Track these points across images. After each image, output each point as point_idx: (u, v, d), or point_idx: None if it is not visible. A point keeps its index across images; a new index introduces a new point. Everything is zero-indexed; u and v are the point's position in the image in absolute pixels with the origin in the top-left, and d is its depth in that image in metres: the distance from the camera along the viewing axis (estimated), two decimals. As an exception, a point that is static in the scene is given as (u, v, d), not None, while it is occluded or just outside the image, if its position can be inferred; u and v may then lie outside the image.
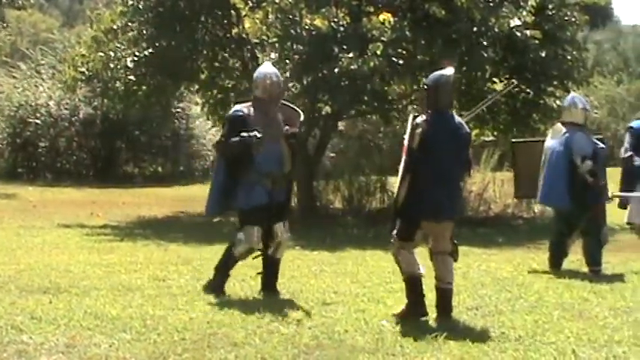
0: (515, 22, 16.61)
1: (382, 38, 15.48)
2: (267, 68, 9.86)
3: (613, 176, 12.12)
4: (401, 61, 15.95)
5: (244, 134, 9.10)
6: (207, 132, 31.57)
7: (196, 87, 20.78)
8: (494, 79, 18.11)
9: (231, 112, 9.74)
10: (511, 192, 19.29)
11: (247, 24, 16.53)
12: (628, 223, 11.60)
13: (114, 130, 29.97)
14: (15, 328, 7.79)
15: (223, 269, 9.59)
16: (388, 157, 21.61)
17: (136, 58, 18.24)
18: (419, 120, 8.26)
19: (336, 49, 15.83)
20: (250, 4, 16.83)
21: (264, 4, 16.35)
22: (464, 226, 16.89)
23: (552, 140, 11.43)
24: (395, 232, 8.41)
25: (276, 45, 16.34)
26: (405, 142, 8.35)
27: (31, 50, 36.91)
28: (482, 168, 20.45)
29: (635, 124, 11.62)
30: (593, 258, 11.26)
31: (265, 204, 9.31)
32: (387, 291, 9.79)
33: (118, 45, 18.70)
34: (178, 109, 29.85)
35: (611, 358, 7.03)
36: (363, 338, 7.57)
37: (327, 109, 17.51)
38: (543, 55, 17.01)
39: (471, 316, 8.41)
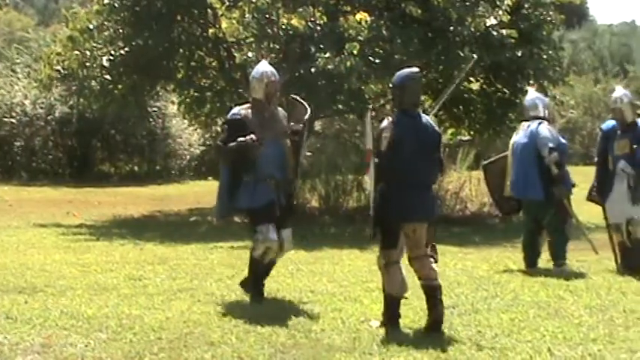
0: (491, 21, 16.68)
1: (359, 37, 15.50)
2: (263, 67, 9.43)
3: (589, 175, 12.17)
4: (378, 61, 15.97)
5: (241, 139, 8.94)
6: (184, 131, 31.52)
7: (172, 86, 20.74)
8: (471, 78, 18.16)
9: (229, 115, 9.37)
10: (487, 191, 19.46)
11: (224, 23, 16.52)
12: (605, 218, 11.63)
13: (90, 129, 29.86)
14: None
15: (254, 276, 9.31)
16: (364, 155, 21.64)
17: (112, 57, 18.18)
18: (385, 123, 8.12)
19: (313, 49, 15.85)
20: (227, 4, 16.80)
21: (240, 3, 16.33)
22: (440, 225, 16.96)
23: (516, 135, 11.52)
24: (379, 244, 8.29)
25: (253, 44, 16.32)
26: (369, 146, 8.30)
27: (7, 49, 36.75)
28: (459, 167, 20.49)
29: (605, 125, 11.65)
30: (558, 252, 11.29)
31: (272, 201, 9.11)
32: (363, 290, 9.79)
33: (94, 44, 18.62)
34: (154, 109, 29.77)
35: (587, 356, 7.06)
36: (340, 337, 7.58)
37: (304, 108, 17.44)
38: (519, 54, 17.08)
39: (447, 315, 8.41)
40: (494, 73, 17.81)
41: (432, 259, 8.20)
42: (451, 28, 16.64)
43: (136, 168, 32.45)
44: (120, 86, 18.78)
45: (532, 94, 11.86)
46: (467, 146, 21.34)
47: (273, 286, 9.75)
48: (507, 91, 18.02)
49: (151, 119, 30.48)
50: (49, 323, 8.02)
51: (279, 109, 9.48)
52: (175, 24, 18.54)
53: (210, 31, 17.91)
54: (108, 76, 18.38)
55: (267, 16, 16.04)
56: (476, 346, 7.34)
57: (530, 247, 11.43)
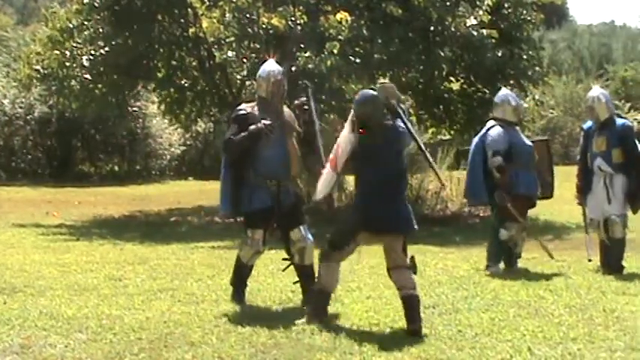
0: (471, 21, 16.72)
1: (339, 37, 15.52)
2: (270, 66, 9.26)
3: (569, 175, 12.21)
4: (358, 60, 15.99)
5: (253, 127, 8.85)
6: (164, 131, 31.49)
7: (153, 86, 20.71)
8: (451, 78, 18.21)
9: (234, 112, 9.20)
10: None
11: (204, 23, 16.50)
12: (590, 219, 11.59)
13: (70, 129, 29.80)
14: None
15: (238, 278, 9.23)
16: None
17: (92, 57, 18.14)
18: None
19: (294, 48, 15.84)
20: (207, 3, 16.80)
21: (221, 2, 16.33)
22: (420, 224, 16.98)
23: (476, 137, 11.54)
24: (330, 239, 8.27)
25: (234, 44, 16.32)
26: (332, 156, 8.36)
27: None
28: (439, 166, 20.51)
29: (585, 124, 11.65)
30: (488, 255, 11.29)
31: (268, 207, 8.96)
32: (344, 290, 9.77)
33: (74, 43, 18.57)
34: (135, 108, 29.71)
35: (567, 355, 7.07)
36: (320, 337, 7.57)
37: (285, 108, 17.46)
38: (499, 54, 17.11)
39: (428, 315, 8.43)
40: (475, 73, 17.84)
41: (411, 271, 8.18)
42: (431, 28, 16.70)
43: (116, 168, 32.40)
44: (100, 86, 18.74)
45: (500, 93, 11.72)
46: (447, 146, 21.36)
47: (254, 285, 9.73)
48: (488, 91, 18.04)
49: (131, 119, 30.43)
50: (28, 324, 7.98)
51: (285, 108, 9.37)
52: (155, 23, 18.51)
53: (191, 30, 17.89)
54: (88, 76, 18.34)
55: (247, 15, 16.04)
56: (456, 345, 7.34)
57: (504, 247, 11.35)
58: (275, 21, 15.59)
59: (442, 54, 16.30)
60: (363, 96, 8.37)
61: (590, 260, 11.34)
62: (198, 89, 19.45)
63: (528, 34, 18.50)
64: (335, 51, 15.24)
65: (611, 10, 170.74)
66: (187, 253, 12.94)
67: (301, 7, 16.15)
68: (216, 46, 17.55)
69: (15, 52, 30.85)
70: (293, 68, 15.43)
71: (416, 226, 8.28)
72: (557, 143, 38.98)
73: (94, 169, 31.81)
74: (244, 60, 16.58)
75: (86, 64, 18.17)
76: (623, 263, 11.07)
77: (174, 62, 19.28)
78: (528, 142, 11.39)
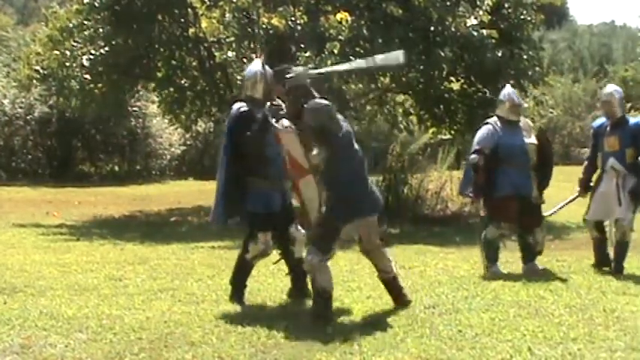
0: (471, 21, 16.72)
1: (340, 37, 15.52)
2: (256, 67, 9.25)
3: (570, 174, 12.18)
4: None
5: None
6: (164, 131, 31.48)
7: (153, 85, 20.71)
8: (451, 78, 18.20)
9: (234, 110, 9.12)
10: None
11: (204, 23, 16.51)
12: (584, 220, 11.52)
13: (70, 129, 29.79)
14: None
15: (239, 278, 9.23)
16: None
17: (91, 57, 18.14)
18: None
19: (294, 48, 15.84)
20: (207, 3, 16.80)
21: (221, 2, 16.33)
22: (421, 224, 17.00)
23: None
24: (315, 246, 8.27)
25: (233, 44, 16.32)
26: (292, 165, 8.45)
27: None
28: (439, 166, 20.52)
29: (595, 122, 11.56)
30: (481, 256, 11.25)
31: (280, 209, 9.07)
32: (344, 290, 9.78)
33: (74, 43, 18.57)
34: (135, 108, 29.73)
35: (567, 355, 7.07)
36: (321, 337, 7.57)
37: (285, 108, 17.48)
38: (500, 54, 17.09)
39: (428, 315, 8.43)
40: (475, 73, 17.83)
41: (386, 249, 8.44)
42: (432, 28, 16.68)
43: (116, 168, 32.39)
44: (100, 86, 18.74)
45: (503, 90, 11.64)
46: (448, 146, 21.35)
47: (255, 285, 9.73)
48: (488, 91, 18.04)
49: (131, 119, 30.45)
50: (29, 324, 7.99)
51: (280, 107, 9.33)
52: (155, 23, 18.52)
53: (191, 30, 17.90)
54: (88, 76, 18.34)
55: (247, 15, 16.04)
56: (456, 345, 7.34)
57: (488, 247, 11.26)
58: (275, 21, 15.60)
59: (442, 54, 16.28)
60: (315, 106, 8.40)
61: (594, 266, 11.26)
62: (198, 89, 19.46)
63: (528, 34, 18.49)
64: (335, 51, 15.23)
65: (612, 10, 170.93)
66: (187, 253, 12.94)
67: (301, 7, 16.16)
68: (216, 46, 17.57)
69: (15, 52, 30.88)
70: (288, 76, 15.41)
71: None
72: (557, 143, 38.98)
73: (94, 169, 31.80)
74: (244, 60, 16.57)
75: (86, 64, 18.18)
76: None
77: (174, 62, 19.29)
78: (529, 140, 11.07)
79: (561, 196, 11.94)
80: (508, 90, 11.40)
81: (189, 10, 18.18)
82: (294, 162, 8.63)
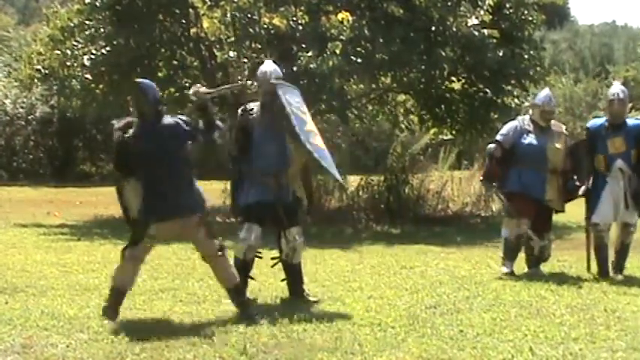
0: (472, 21, 16.71)
1: (341, 37, 15.51)
2: (267, 67, 9.38)
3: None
4: (360, 60, 15.97)
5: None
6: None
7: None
8: (452, 78, 18.19)
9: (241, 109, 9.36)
10: (469, 191, 19.46)
11: (206, 23, 16.50)
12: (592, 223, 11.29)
13: (71, 128, 29.81)
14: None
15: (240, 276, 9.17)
16: (347, 156, 21.66)
17: (92, 57, 18.10)
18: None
19: (295, 48, 15.84)
20: (209, 3, 16.78)
21: (222, 2, 16.31)
22: (422, 224, 17.00)
23: None
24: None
25: (235, 44, 16.30)
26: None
27: (-14, 48, 36.61)
28: (441, 167, 20.52)
29: (591, 123, 11.42)
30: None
31: (267, 202, 9.06)
32: (345, 290, 9.79)
33: (75, 43, 18.55)
34: (136, 108, 29.69)
35: (568, 355, 7.07)
36: (322, 337, 7.57)
37: (286, 107, 17.48)
38: (501, 54, 17.07)
39: (429, 314, 8.43)
40: (476, 73, 17.81)
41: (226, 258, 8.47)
42: (433, 28, 16.67)
43: (117, 168, 32.33)
44: (101, 86, 18.71)
45: (540, 94, 11.49)
46: (449, 146, 21.34)
47: (255, 285, 9.73)
48: (489, 91, 18.02)
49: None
50: (30, 324, 7.99)
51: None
52: (157, 23, 18.48)
53: (192, 30, 17.89)
54: (89, 76, 18.31)
55: (248, 15, 16.02)
56: (457, 345, 7.34)
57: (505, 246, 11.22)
58: (276, 21, 15.59)
59: (443, 54, 16.26)
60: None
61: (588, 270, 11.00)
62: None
63: (530, 34, 18.46)
64: (337, 51, 15.23)
65: (613, 10, 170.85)
66: (188, 253, 12.91)
67: (302, 7, 16.14)
68: (217, 46, 17.55)
69: (16, 52, 30.84)
70: (294, 69, 15.43)
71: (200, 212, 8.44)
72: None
73: (95, 169, 31.81)
74: (245, 60, 16.57)
75: (87, 63, 18.14)
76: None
77: (175, 62, 19.26)
78: (554, 145, 10.89)
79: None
80: (543, 94, 11.25)
81: (191, 10, 18.15)
82: None
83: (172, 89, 19.78)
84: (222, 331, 7.75)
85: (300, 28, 15.87)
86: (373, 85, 18.38)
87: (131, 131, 8.34)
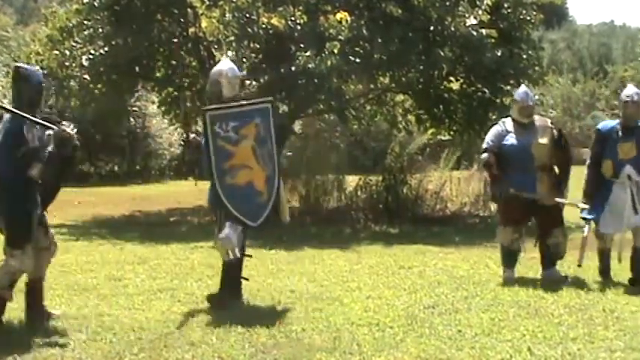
0: (471, 21, 16.71)
1: (339, 37, 15.50)
2: (222, 66, 9.46)
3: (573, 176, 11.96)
4: (358, 60, 15.96)
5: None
6: (164, 131, 31.47)
7: (152, 85, 20.71)
8: (451, 78, 18.19)
9: None
10: (467, 191, 19.44)
11: (204, 22, 16.50)
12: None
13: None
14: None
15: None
16: (345, 156, 21.67)
17: (91, 57, 18.11)
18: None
19: (293, 48, 15.84)
20: (207, 3, 16.78)
21: (220, 2, 16.31)
22: (420, 224, 17.00)
23: None
24: None
25: (233, 44, 16.30)
26: None
27: (-15, 48, 36.60)
28: (443, 167, 20.50)
29: (602, 125, 10.93)
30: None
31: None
32: (344, 290, 9.80)
33: (74, 43, 18.55)
34: (135, 108, 29.72)
35: (567, 355, 7.08)
36: (320, 337, 7.57)
37: (284, 107, 17.52)
38: (499, 53, 17.06)
39: (427, 315, 8.44)
40: (475, 72, 17.81)
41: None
42: (431, 27, 16.67)
43: (116, 168, 32.37)
44: (99, 86, 18.71)
45: (517, 90, 11.37)
46: (454, 146, 21.26)
47: (254, 285, 9.74)
48: (487, 91, 18.01)
49: (131, 119, 30.42)
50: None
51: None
52: (155, 23, 18.49)
53: (191, 30, 17.90)
54: (87, 76, 18.31)
55: (247, 15, 16.02)
56: (456, 345, 7.35)
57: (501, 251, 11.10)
58: (275, 21, 15.59)
59: (442, 54, 16.25)
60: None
61: (579, 265, 10.59)
62: (198, 88, 19.41)
63: (528, 33, 18.46)
64: (335, 51, 15.23)
65: (611, 9, 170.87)
66: (187, 253, 12.95)
67: (301, 7, 16.13)
68: (215, 46, 17.56)
69: (15, 52, 30.85)
70: (292, 69, 15.44)
71: None
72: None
73: (94, 169, 31.78)
74: (244, 60, 16.55)
75: (86, 63, 18.14)
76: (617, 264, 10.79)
77: (173, 62, 19.28)
78: (539, 141, 10.58)
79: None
80: (520, 90, 11.01)
81: (189, 9, 18.16)
82: None
83: (170, 89, 19.81)
84: (220, 331, 7.75)
85: (299, 27, 15.86)
86: (371, 85, 18.38)
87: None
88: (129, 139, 31.37)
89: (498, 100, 17.87)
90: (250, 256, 9.46)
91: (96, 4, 18.18)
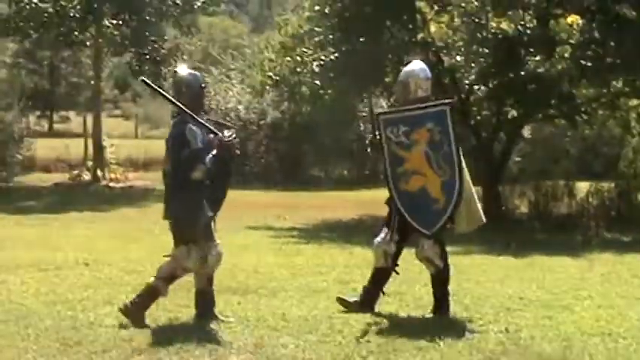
0: None
1: (570, 40, 15.23)
2: (413, 66, 9.33)
3: None
4: (589, 64, 15.63)
5: None
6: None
7: (381, 90, 20.90)
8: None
9: None
10: None
11: (433, 28, 16.52)
12: None
13: (300, 133, 30.38)
14: (206, 327, 8.01)
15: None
16: (576, 161, 21.25)
17: (322, 63, 18.44)
18: None
19: (523, 52, 15.66)
20: (436, 8, 16.79)
21: (449, 7, 16.30)
22: None
23: None
24: None
25: (462, 49, 16.28)
26: None
27: (222, 55, 37.94)
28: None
29: None
30: None
31: None
32: (574, 298, 9.62)
33: (305, 50, 18.95)
34: (364, 113, 30.03)
35: None
36: (550, 346, 7.46)
37: (513, 112, 17.35)
38: None
39: None
40: None
41: None
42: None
43: (345, 172, 32.74)
44: (330, 91, 19.03)
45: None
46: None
47: (481, 291, 9.70)
48: None
49: (360, 123, 30.74)
50: (262, 324, 8.19)
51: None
52: (384, 29, 18.64)
53: (419, 35, 17.95)
54: (318, 82, 18.66)
55: (476, 20, 15.95)
56: None
57: None
58: (504, 25, 15.45)
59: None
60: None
61: None
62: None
63: None
64: (566, 55, 14.96)
65: None
66: (415, 258, 12.95)
67: (531, 11, 15.93)
68: (444, 51, 17.56)
69: (249, 60, 31.79)
70: (522, 73, 15.23)
71: None
72: None
73: (324, 173, 32.27)
74: (472, 64, 16.51)
75: (316, 69, 18.50)
76: None
77: (402, 67, 19.37)
78: None
79: None
80: None
81: (418, 15, 18.22)
82: None
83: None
84: (448, 337, 7.74)
85: (528, 32, 15.67)
86: (603, 90, 17.93)
87: None
88: (358, 144, 31.70)
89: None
90: (398, 272, 9.27)
91: (327, 11, 18.51)
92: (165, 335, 7.61)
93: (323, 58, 18.56)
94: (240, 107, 30.57)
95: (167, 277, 8.20)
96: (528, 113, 17.66)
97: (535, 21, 15.74)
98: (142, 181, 28.69)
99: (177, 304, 8.70)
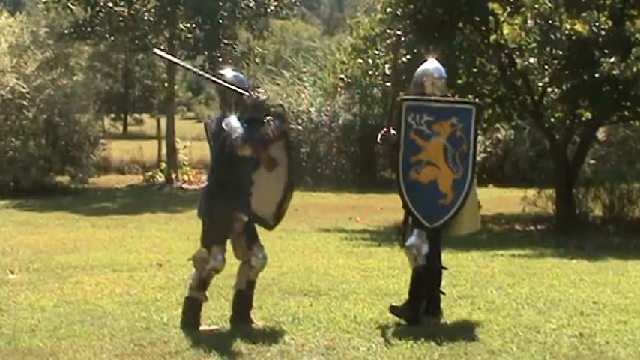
0: None
1: (646, 42, 15.03)
2: (428, 65, 9.30)
3: None
4: (667, 66, 15.41)
5: None
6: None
7: (453, 92, 20.80)
8: None
9: None
10: None
11: (506, 30, 16.40)
12: None
13: (372, 135, 30.24)
14: (277, 328, 8.06)
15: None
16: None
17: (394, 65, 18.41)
18: None
19: (597, 54, 15.49)
20: (509, 10, 16.68)
21: (522, 9, 16.18)
22: None
23: None
24: None
25: (535, 50, 16.15)
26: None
27: (294, 58, 38.07)
28: None
29: None
30: None
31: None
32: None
33: (377, 52, 18.94)
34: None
35: None
36: (625, 351, 7.38)
37: (587, 114, 17.18)
38: None
39: None
40: None
41: None
42: None
43: (416, 175, 32.63)
44: (402, 93, 18.97)
45: None
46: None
47: (555, 295, 9.63)
48: None
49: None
50: (333, 326, 8.23)
51: None
52: (457, 31, 18.57)
53: (492, 37, 17.83)
54: (390, 84, 18.63)
55: (549, 21, 15.81)
56: None
57: None
58: (578, 27, 15.29)
59: None
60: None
61: None
62: (499, 95, 19.33)
63: None
64: (642, 56, 14.77)
65: None
66: (487, 261, 12.93)
67: (605, 12, 15.76)
68: (517, 53, 17.42)
69: (321, 62, 31.87)
70: (596, 75, 15.06)
71: None
72: None
73: (396, 176, 32.18)
74: (546, 66, 16.37)
75: (388, 72, 18.48)
76: None
77: (474, 69, 19.28)
78: None
79: None
80: None
81: (491, 17, 18.11)
82: None
83: (471, 96, 19.83)
84: (521, 340, 7.71)
85: (603, 33, 15.50)
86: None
87: None
88: (430, 146, 31.59)
89: None
90: (446, 268, 9.21)
91: (399, 13, 18.47)
92: (237, 336, 7.68)
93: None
94: (312, 109, 30.64)
95: (198, 284, 8.21)
96: (602, 115, 17.47)
97: (610, 22, 15.56)
98: (215, 183, 28.86)
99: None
